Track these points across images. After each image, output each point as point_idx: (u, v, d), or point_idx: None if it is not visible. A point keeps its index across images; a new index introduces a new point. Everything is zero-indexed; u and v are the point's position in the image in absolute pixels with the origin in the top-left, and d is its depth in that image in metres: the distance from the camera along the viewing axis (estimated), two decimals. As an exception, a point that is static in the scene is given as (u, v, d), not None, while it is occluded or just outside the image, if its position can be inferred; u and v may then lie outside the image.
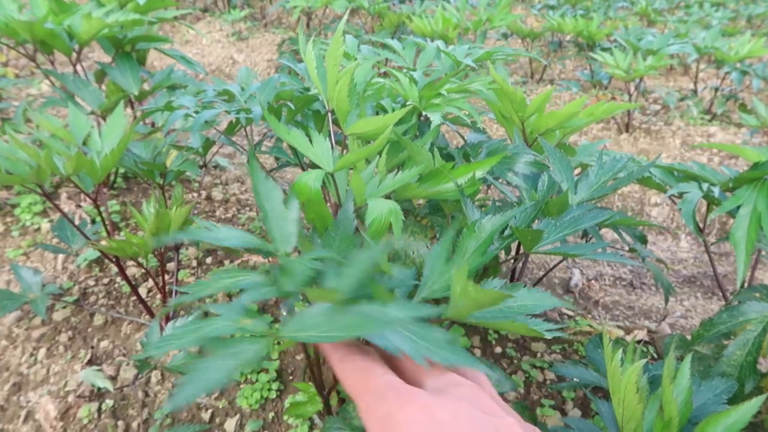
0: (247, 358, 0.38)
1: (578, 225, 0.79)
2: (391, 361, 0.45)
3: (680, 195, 1.00)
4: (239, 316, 0.42)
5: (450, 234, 0.59)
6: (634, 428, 0.63)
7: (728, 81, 3.09)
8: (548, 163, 0.94)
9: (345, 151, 0.86)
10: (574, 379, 0.81)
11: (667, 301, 1.12)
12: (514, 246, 1.22)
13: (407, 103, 0.97)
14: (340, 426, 0.78)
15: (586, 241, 1.19)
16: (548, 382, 1.06)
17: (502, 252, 1.35)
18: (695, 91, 3.08)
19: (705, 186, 0.92)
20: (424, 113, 0.92)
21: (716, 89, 2.92)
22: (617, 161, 0.96)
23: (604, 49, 3.15)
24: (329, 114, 0.82)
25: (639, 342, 1.19)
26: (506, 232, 0.78)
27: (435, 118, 0.89)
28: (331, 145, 0.75)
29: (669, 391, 0.63)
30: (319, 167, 0.72)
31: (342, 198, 0.75)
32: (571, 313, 1.44)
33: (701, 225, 1.03)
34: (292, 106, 0.97)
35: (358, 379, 0.42)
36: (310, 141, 0.73)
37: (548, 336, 0.52)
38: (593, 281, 1.85)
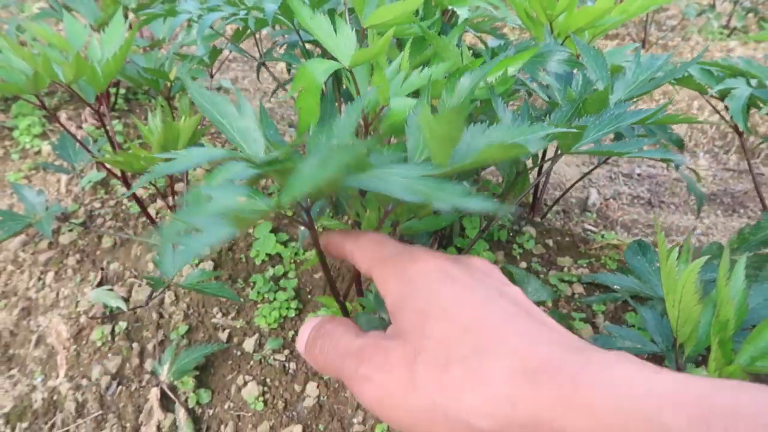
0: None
1: (620, 121, 0.73)
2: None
3: (721, 97, 0.94)
4: (235, 195, 0.38)
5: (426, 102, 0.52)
6: (690, 331, 0.58)
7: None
8: (582, 62, 0.87)
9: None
10: (615, 287, 0.77)
11: (699, 211, 1.07)
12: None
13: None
14: (368, 320, 0.74)
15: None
16: (576, 295, 1.02)
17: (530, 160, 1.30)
18: (713, 6, 2.96)
19: (753, 82, 0.85)
20: (449, 7, 0.85)
21: (736, 2, 2.81)
22: (656, 59, 0.90)
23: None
24: (346, 11, 0.76)
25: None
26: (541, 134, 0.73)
27: (462, 12, 0.83)
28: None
29: (725, 292, 0.58)
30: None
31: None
32: (595, 229, 1.40)
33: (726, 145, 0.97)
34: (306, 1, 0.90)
35: (372, 249, 0.43)
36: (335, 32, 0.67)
37: (532, 149, 0.45)
38: (611, 200, 1.80)
